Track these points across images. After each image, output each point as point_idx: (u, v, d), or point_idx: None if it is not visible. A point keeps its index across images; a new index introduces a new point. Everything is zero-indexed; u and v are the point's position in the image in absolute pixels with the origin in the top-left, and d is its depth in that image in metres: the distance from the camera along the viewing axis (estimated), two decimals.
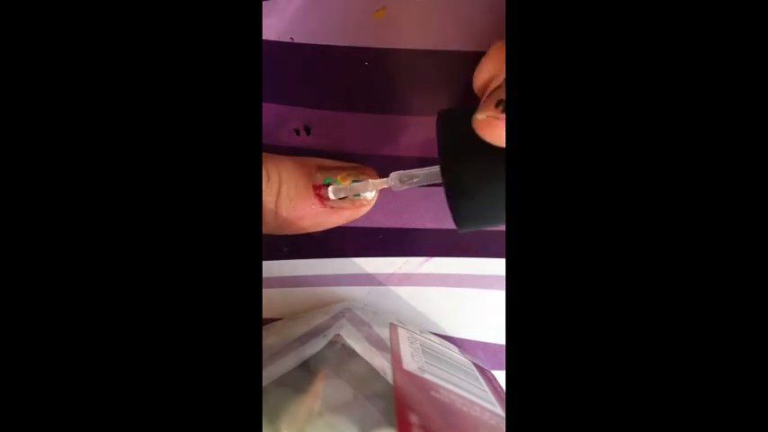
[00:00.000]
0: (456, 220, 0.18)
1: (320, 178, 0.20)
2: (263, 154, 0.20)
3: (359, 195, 0.20)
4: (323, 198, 0.20)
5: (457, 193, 0.17)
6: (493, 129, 0.16)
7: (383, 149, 0.22)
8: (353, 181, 0.20)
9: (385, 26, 0.22)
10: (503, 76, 0.17)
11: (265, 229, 0.20)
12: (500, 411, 0.16)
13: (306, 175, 0.20)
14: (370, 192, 0.20)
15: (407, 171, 0.19)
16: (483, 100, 0.17)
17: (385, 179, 0.19)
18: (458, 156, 0.17)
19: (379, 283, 0.24)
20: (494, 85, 0.17)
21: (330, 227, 0.21)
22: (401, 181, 0.19)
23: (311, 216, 0.20)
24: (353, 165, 0.21)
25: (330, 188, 0.20)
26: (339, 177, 0.20)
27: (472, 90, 0.18)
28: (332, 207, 0.20)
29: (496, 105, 0.16)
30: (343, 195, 0.20)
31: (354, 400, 0.14)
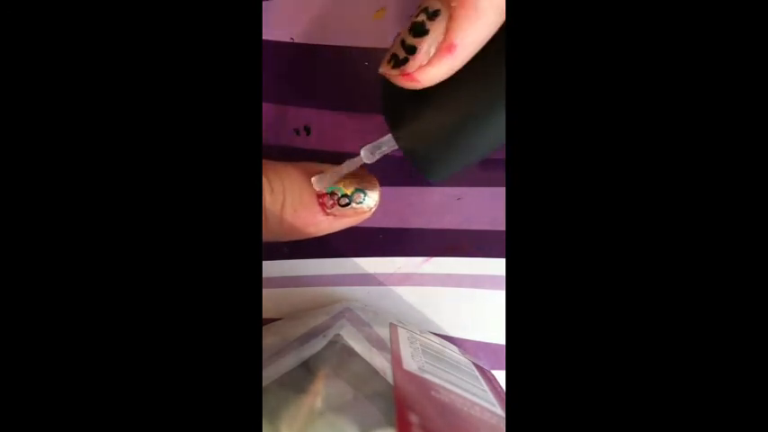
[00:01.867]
0: (420, 170, 0.18)
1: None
2: (266, 162, 0.20)
3: (361, 203, 0.20)
4: (325, 206, 0.20)
5: (404, 141, 0.17)
6: (394, 80, 0.16)
7: None
8: (356, 190, 0.20)
9: (385, 26, 0.22)
10: (413, 16, 0.16)
11: (270, 237, 0.20)
12: (500, 411, 0.16)
13: (308, 183, 0.20)
14: (371, 198, 0.20)
15: (374, 143, 0.19)
16: (389, 50, 0.16)
17: (358, 158, 0.19)
18: (395, 103, 0.17)
19: (380, 283, 0.24)
20: (405, 26, 0.16)
21: (332, 232, 0.21)
22: (372, 153, 0.19)
23: (315, 224, 0.20)
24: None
25: (313, 179, 0.20)
26: (341, 185, 0.20)
27: None
28: (334, 215, 0.20)
29: (389, 61, 0.16)
30: (329, 183, 0.20)
31: (354, 399, 0.14)
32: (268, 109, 0.22)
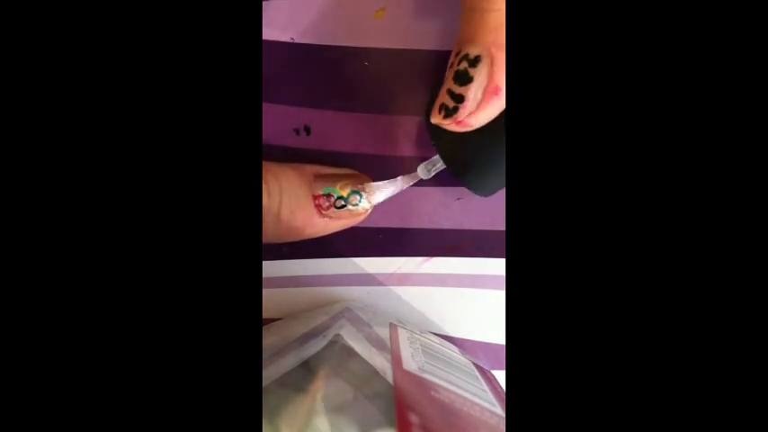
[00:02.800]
0: (468, 186, 0.19)
1: (319, 188, 0.20)
2: (263, 164, 0.20)
3: (357, 205, 0.20)
4: (321, 208, 0.20)
5: (453, 167, 0.19)
6: (447, 127, 0.17)
7: (383, 150, 0.22)
8: (352, 192, 0.20)
9: (385, 26, 0.22)
10: (455, 63, 0.17)
11: (266, 239, 0.20)
12: (500, 411, 0.16)
13: (306, 184, 0.20)
14: (367, 199, 0.21)
15: (430, 160, 0.20)
16: (437, 99, 0.17)
17: (414, 174, 0.20)
18: (439, 130, 0.18)
19: (380, 283, 0.24)
20: (448, 74, 0.17)
21: (330, 233, 0.21)
22: (428, 170, 0.20)
23: (311, 225, 0.20)
24: (350, 172, 0.21)
25: (369, 187, 0.20)
26: (338, 187, 0.20)
27: None
28: (330, 217, 0.20)
29: (439, 111, 0.17)
30: (382, 197, 0.21)
31: (354, 399, 0.14)
32: (268, 109, 0.22)
